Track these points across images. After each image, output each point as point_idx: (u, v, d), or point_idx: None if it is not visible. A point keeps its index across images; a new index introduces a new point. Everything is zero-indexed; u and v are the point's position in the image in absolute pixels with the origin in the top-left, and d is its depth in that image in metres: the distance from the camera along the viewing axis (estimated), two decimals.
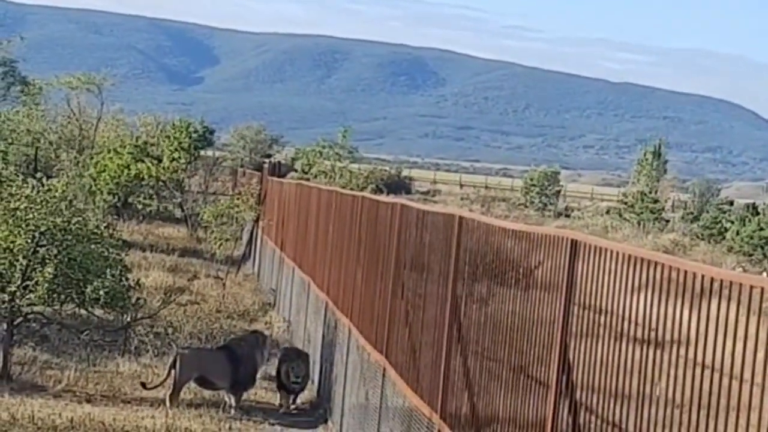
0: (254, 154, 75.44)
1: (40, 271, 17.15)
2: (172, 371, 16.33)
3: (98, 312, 18.31)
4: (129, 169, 41.38)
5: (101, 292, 17.10)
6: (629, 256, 6.30)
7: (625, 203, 74.83)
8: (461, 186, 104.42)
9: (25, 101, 49.91)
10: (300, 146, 70.75)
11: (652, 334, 5.85)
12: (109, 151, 42.35)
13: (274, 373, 17.57)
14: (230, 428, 15.29)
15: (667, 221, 73.09)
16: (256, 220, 34.31)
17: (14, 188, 17.99)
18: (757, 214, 62.19)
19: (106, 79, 46.80)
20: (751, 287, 4.95)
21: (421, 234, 11.53)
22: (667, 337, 5.69)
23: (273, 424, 16.14)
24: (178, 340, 20.20)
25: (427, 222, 11.35)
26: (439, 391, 9.88)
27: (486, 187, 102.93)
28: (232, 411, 16.38)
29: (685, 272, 5.58)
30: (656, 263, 5.94)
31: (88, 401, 16.37)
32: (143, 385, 16.66)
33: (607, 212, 77.80)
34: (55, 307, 17.98)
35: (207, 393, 17.19)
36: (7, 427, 14.37)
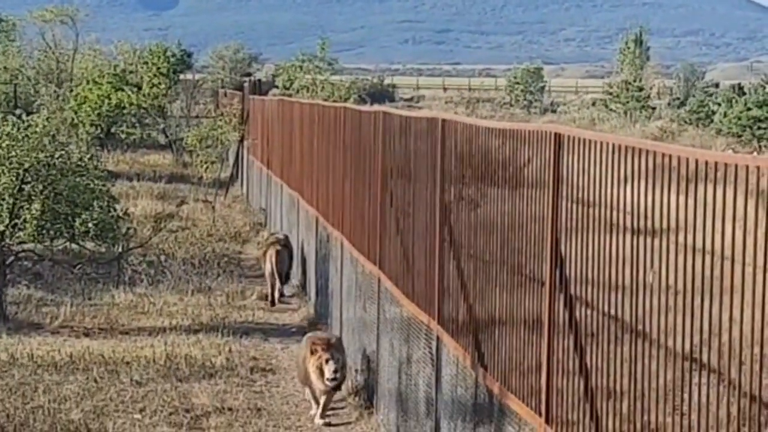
0: (234, 74, 74.73)
1: (28, 209, 17.05)
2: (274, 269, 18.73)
3: (89, 245, 18.21)
4: (109, 99, 41.10)
5: (90, 225, 17.01)
6: (615, 146, 6.20)
7: (611, 94, 74.58)
8: (445, 90, 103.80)
9: (0, 39, 49.44)
10: (280, 62, 70.04)
11: (643, 222, 5.77)
12: (88, 83, 42.04)
13: None
14: (230, 350, 15.30)
15: (654, 108, 72.98)
16: (241, 141, 34.14)
17: None
18: (744, 94, 62.02)
19: (79, 10, 46.36)
20: (736, 166, 4.86)
21: (406, 141, 11.41)
22: (658, 224, 5.61)
23: (272, 343, 16.18)
24: (171, 267, 20.18)
25: (410, 128, 11.23)
26: (435, 297, 9.84)
27: (470, 89, 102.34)
28: (285, 297, 19.04)
29: (670, 156, 5.49)
30: (641, 150, 5.84)
31: (86, 335, 16.37)
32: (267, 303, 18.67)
33: (593, 104, 77.62)
34: (46, 244, 17.91)
35: (205, 318, 17.25)
36: (6, 367, 14.36)
